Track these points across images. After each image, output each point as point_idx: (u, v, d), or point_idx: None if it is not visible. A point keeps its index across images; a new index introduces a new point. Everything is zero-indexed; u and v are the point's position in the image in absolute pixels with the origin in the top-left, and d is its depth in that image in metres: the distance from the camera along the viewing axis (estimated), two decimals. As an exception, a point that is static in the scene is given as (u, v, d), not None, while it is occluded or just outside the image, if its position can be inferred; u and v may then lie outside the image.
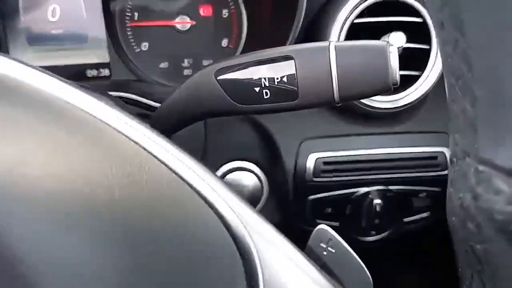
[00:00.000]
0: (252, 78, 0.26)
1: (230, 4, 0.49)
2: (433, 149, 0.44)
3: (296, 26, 0.40)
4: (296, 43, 0.41)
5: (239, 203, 0.16)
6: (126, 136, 0.15)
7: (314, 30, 0.41)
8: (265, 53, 0.26)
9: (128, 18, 0.48)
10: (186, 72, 0.50)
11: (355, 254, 0.20)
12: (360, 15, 0.40)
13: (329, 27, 0.39)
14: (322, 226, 0.20)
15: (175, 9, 0.48)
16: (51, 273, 0.11)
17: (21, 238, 0.11)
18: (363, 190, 0.45)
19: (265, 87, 0.26)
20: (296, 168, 0.43)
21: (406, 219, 0.47)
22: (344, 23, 0.39)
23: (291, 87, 0.25)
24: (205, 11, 0.49)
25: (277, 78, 0.25)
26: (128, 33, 0.48)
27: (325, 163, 0.44)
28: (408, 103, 0.42)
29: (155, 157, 0.15)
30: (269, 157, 0.44)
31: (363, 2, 0.39)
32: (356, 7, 0.39)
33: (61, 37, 0.47)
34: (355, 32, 0.41)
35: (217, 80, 0.27)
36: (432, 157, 0.44)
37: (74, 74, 0.47)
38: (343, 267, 0.19)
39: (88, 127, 0.16)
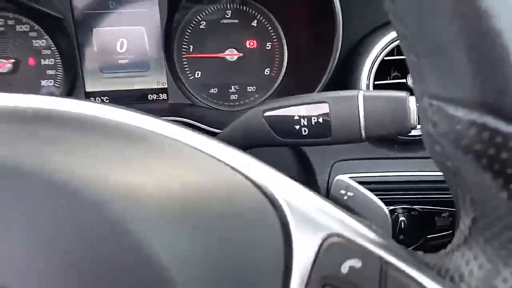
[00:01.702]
0: (293, 117, 0.32)
1: (273, 37, 0.55)
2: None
3: (332, 61, 0.45)
4: (332, 75, 0.47)
5: (268, 169, 0.20)
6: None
7: (348, 66, 0.47)
8: (305, 98, 0.32)
9: (185, 50, 0.55)
10: (232, 97, 0.57)
11: (370, 194, 0.24)
12: (389, 54, 0.45)
13: (361, 63, 0.45)
14: (339, 176, 0.25)
15: (225, 43, 0.55)
16: (187, 272, 0.16)
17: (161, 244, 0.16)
18: (389, 208, 0.50)
19: (304, 125, 0.31)
20: (328, 187, 0.48)
21: (429, 236, 0.51)
22: (375, 60, 0.45)
23: (325, 127, 0.30)
24: (251, 44, 0.55)
25: (314, 119, 0.31)
26: (184, 63, 0.55)
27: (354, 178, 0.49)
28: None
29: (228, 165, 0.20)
30: (305, 176, 0.50)
31: (392, 43, 0.44)
32: (386, 46, 0.44)
33: (127, 66, 0.54)
34: (384, 67, 0.46)
35: (264, 117, 0.33)
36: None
37: (138, 97, 0.55)
38: (362, 206, 0.23)
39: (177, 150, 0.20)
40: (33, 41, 0.52)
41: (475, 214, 0.17)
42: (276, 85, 0.56)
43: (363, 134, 0.30)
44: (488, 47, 0.15)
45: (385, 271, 0.17)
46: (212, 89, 0.56)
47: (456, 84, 0.16)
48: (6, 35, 0.51)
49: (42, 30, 0.52)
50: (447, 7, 0.16)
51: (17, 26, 0.51)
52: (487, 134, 0.15)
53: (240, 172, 0.19)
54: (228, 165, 0.19)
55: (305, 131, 0.32)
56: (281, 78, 0.56)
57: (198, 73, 0.56)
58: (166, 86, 0.55)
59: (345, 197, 0.24)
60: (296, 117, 0.32)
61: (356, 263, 0.17)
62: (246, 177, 0.19)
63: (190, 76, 0.56)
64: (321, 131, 0.31)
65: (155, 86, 0.55)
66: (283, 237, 0.18)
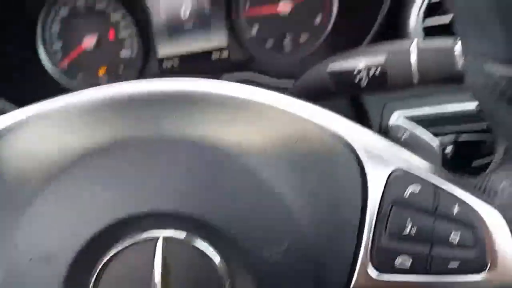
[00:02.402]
0: (353, 71, 0.37)
1: (322, -13, 0.59)
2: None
3: (381, 12, 0.49)
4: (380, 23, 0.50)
5: (343, 120, 0.26)
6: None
7: (394, 13, 0.50)
8: (363, 52, 0.37)
9: (241, 9, 0.60)
10: (286, 48, 0.62)
11: (422, 131, 0.30)
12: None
13: (409, 9, 0.48)
14: (396, 120, 0.30)
15: (278, -3, 0.59)
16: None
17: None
18: (439, 138, 0.55)
19: (362, 78, 0.37)
20: (382, 124, 0.54)
21: (474, 162, 0.56)
22: (422, 4, 0.48)
23: (382, 77, 0.36)
24: (302, -4, 0.59)
25: (372, 71, 0.36)
26: (241, 22, 0.61)
27: (406, 117, 0.54)
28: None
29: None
30: (360, 116, 0.56)
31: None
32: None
33: (192, 30, 0.61)
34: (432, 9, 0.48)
35: (327, 73, 0.39)
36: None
37: (203, 57, 0.61)
38: (417, 142, 0.29)
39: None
40: (111, 16, 0.59)
41: (508, 145, 0.23)
42: (326, 33, 0.61)
43: (416, 81, 0.35)
44: None
45: (438, 194, 0.24)
46: (268, 42, 0.61)
47: (492, 44, 0.21)
48: (88, 15, 0.59)
49: (117, 5, 0.59)
50: None
51: (96, 4, 0.58)
52: None
53: (324, 127, 0.25)
54: (317, 124, 0.25)
55: (363, 83, 0.37)
56: (331, 27, 0.60)
57: (254, 30, 0.61)
58: (225, 45, 0.61)
59: (402, 138, 0.30)
60: (356, 71, 0.37)
61: (415, 188, 0.24)
62: (329, 130, 0.25)
63: (247, 33, 0.61)
64: (378, 82, 0.36)
65: (215, 45, 0.61)
66: (360, 173, 0.24)
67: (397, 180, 0.24)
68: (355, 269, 0.23)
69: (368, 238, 0.23)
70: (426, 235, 0.23)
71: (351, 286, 0.23)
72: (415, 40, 0.35)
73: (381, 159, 0.24)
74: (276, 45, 0.61)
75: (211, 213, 0.22)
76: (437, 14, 0.50)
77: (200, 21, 0.60)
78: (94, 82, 0.61)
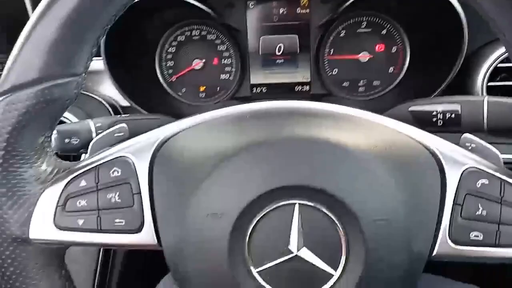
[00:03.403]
0: (432, 112, 0.46)
1: (398, 43, 0.69)
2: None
3: (455, 67, 0.58)
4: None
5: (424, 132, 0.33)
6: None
7: (463, 72, 0.59)
8: (441, 99, 0.46)
9: (326, 53, 0.71)
10: (360, 89, 0.72)
11: (486, 144, 0.36)
12: (503, 61, 0.57)
13: (477, 71, 0.57)
14: (466, 135, 0.37)
15: (359, 47, 0.70)
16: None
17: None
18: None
19: (440, 118, 0.46)
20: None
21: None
22: (489, 68, 0.57)
23: (456, 120, 0.45)
24: (380, 47, 0.69)
25: (448, 114, 0.45)
26: (325, 63, 0.71)
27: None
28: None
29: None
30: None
31: (504, 54, 0.56)
32: (499, 57, 0.56)
33: (282, 64, 0.72)
34: (497, 72, 0.57)
35: (409, 111, 0.48)
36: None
37: (288, 89, 0.72)
38: (481, 151, 0.36)
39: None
40: (218, 46, 0.71)
41: None
42: (396, 82, 0.70)
43: (485, 127, 0.44)
44: None
45: (504, 185, 0.31)
46: (345, 83, 0.72)
47: None
48: (200, 42, 0.71)
49: (224, 38, 0.71)
50: None
51: (208, 35, 0.71)
52: None
53: (411, 137, 0.34)
54: (404, 134, 0.34)
55: (439, 123, 0.46)
56: (402, 76, 0.70)
57: (335, 71, 0.71)
58: (309, 80, 0.72)
59: (470, 147, 0.38)
60: (434, 112, 0.47)
61: (484, 181, 0.31)
62: (414, 139, 0.33)
63: (329, 73, 0.72)
64: (452, 124, 0.45)
65: (300, 80, 0.72)
66: (440, 172, 0.32)
67: (469, 175, 0.32)
68: (437, 241, 0.31)
69: (446, 219, 0.31)
70: (495, 217, 0.30)
71: (433, 254, 0.31)
72: (487, 96, 0.45)
73: (456, 160, 0.32)
74: (352, 85, 0.71)
75: (334, 188, 0.30)
76: (499, 79, 0.59)
77: (290, 59, 0.71)
78: (195, 96, 0.73)
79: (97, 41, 0.32)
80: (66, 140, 0.44)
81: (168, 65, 0.73)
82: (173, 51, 0.72)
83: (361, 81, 0.71)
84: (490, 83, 0.57)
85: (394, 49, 0.69)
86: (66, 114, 0.60)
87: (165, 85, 0.73)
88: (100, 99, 0.66)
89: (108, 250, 0.68)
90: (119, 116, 0.49)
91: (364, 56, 0.70)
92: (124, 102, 0.69)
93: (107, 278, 0.68)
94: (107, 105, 0.65)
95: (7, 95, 0.30)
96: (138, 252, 0.77)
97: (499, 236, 0.31)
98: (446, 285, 0.55)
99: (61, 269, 0.35)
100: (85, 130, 0.45)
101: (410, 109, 0.48)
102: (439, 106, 0.46)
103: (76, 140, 0.44)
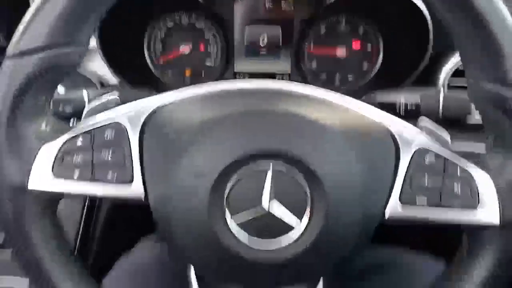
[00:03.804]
0: (395, 103, 0.52)
1: (373, 42, 0.75)
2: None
3: (420, 66, 0.64)
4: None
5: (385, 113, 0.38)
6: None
7: (429, 71, 0.65)
8: (405, 91, 0.52)
9: (306, 47, 0.76)
10: (336, 83, 0.77)
11: (439, 128, 0.40)
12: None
13: (441, 69, 0.63)
14: (422, 118, 0.42)
15: (337, 43, 0.75)
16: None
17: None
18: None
19: (401, 109, 0.51)
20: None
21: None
22: (453, 67, 0.63)
23: (417, 110, 0.50)
24: (356, 45, 0.75)
25: (409, 105, 0.51)
26: (305, 56, 0.76)
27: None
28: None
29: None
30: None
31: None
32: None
33: (265, 55, 0.76)
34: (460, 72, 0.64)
35: (376, 101, 0.53)
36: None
37: (267, 77, 0.76)
38: (433, 134, 0.40)
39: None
40: (205, 34, 0.75)
41: (495, 135, 0.37)
42: (370, 77, 0.76)
43: (440, 116, 0.50)
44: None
45: (447, 162, 0.36)
46: (322, 76, 0.77)
47: (485, 70, 0.35)
48: (188, 29, 0.75)
49: (212, 27, 0.75)
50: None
51: (196, 23, 0.75)
52: (501, 98, 0.34)
53: (373, 117, 0.38)
54: (367, 114, 0.38)
55: (402, 112, 0.52)
56: (375, 72, 0.75)
57: (314, 64, 0.77)
58: (289, 72, 0.77)
59: (424, 130, 0.43)
60: (397, 102, 0.52)
61: (432, 158, 0.37)
62: (375, 119, 0.38)
63: (308, 66, 0.77)
64: (413, 113, 0.51)
65: (280, 71, 0.77)
66: (395, 149, 0.37)
67: (420, 152, 0.37)
68: (388, 205, 0.36)
69: (398, 187, 0.36)
70: (437, 186, 0.36)
71: (386, 217, 0.36)
72: (442, 90, 0.50)
73: (409, 140, 0.37)
74: (329, 78, 0.77)
75: (302, 155, 0.35)
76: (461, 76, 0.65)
77: (273, 50, 0.76)
78: (180, 80, 0.77)
79: (100, 16, 0.36)
80: (60, 108, 0.47)
81: (156, 48, 0.76)
82: (162, 36, 0.76)
83: (337, 74, 0.77)
84: (451, 82, 0.64)
85: (369, 47, 0.75)
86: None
87: (152, 67, 0.76)
88: (88, 76, 0.69)
89: (91, 208, 0.72)
90: (110, 87, 0.53)
91: (341, 52, 0.75)
92: (112, 81, 0.72)
93: (90, 233, 0.72)
94: (95, 82, 0.68)
95: (16, 59, 0.34)
96: (120, 211, 0.81)
97: (440, 200, 0.36)
98: (400, 253, 0.61)
99: (53, 219, 0.39)
100: (78, 99, 0.48)
101: (377, 99, 0.53)
102: (402, 97, 0.52)
103: (70, 108, 0.47)
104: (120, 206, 0.76)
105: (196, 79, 0.77)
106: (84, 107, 0.48)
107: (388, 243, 0.62)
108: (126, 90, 0.53)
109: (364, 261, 0.63)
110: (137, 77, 0.72)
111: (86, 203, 0.72)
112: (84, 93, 0.49)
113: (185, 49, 0.75)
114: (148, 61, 0.76)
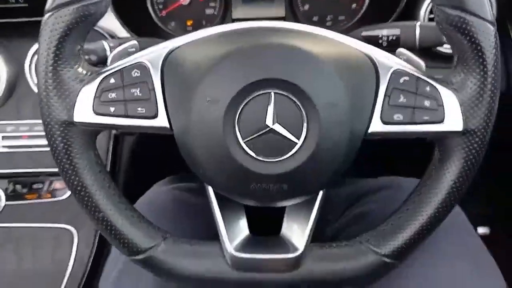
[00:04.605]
0: (378, 36, 0.58)
1: (360, -18, 0.80)
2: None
3: (401, 3, 0.70)
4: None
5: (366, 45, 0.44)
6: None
7: (412, 8, 0.71)
8: (386, 25, 0.58)
9: (299, -10, 0.81)
10: (328, 23, 0.83)
11: (414, 56, 0.47)
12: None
13: (421, 5, 0.69)
14: (400, 49, 0.48)
15: (326, -15, 0.80)
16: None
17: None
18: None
19: (384, 40, 0.58)
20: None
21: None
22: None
23: (397, 41, 0.57)
24: (344, -14, 0.80)
25: (390, 36, 0.57)
26: (298, 0, 0.81)
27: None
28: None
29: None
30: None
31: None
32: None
33: (260, 0, 0.81)
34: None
35: (361, 36, 0.60)
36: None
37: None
38: (409, 61, 0.47)
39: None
40: (203, -17, 0.80)
41: (458, 54, 0.44)
42: (358, 16, 0.82)
43: (417, 46, 0.56)
44: None
45: (418, 81, 0.43)
46: (315, 17, 0.82)
47: None
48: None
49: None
50: None
51: (194, -27, 0.80)
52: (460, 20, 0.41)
53: (357, 48, 0.45)
54: (352, 46, 0.45)
55: (384, 44, 0.58)
56: (363, 11, 0.81)
57: (306, 6, 0.82)
58: (284, 15, 0.82)
59: (402, 58, 0.48)
60: (380, 35, 0.59)
61: (405, 78, 0.43)
62: (359, 50, 0.44)
63: (301, 8, 0.82)
64: (394, 44, 0.58)
65: (276, 15, 0.82)
66: (375, 72, 0.43)
67: (396, 74, 0.43)
68: (371, 122, 0.43)
69: (379, 106, 0.43)
70: (411, 103, 0.43)
71: (368, 132, 0.43)
72: (419, 22, 0.57)
73: (387, 64, 0.43)
74: (320, 19, 0.82)
75: (299, 80, 0.41)
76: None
77: (268, -4, 0.81)
78: (183, 29, 0.83)
79: None
80: (86, 57, 0.54)
81: (158, 1, 0.81)
82: (163, -12, 0.81)
83: (328, 16, 0.82)
84: (431, 15, 0.70)
85: (356, -13, 0.80)
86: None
87: (156, 19, 0.82)
88: (99, 29, 0.75)
89: (117, 142, 0.81)
90: (126, 38, 0.59)
91: (331, -7, 0.80)
92: (120, 34, 0.77)
93: (116, 165, 0.82)
94: (106, 35, 0.74)
95: (55, 11, 0.40)
96: (143, 144, 0.90)
97: (414, 116, 0.43)
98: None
99: (95, 149, 0.47)
100: (100, 49, 0.55)
101: (362, 34, 0.60)
102: (384, 31, 0.58)
103: (94, 57, 0.54)
104: (144, 137, 0.85)
105: (197, 28, 0.83)
106: (105, 55, 0.55)
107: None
108: (143, 38, 0.59)
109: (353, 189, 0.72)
110: (144, 29, 0.78)
111: (112, 136, 0.81)
112: (105, 43, 0.55)
113: (185, 0, 0.80)
114: (152, 13, 0.81)
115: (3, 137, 0.79)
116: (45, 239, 0.79)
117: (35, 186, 0.83)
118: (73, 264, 0.78)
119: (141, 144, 0.85)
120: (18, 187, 0.83)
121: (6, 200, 0.81)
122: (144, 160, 0.89)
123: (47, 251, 0.78)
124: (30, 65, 0.76)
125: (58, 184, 0.84)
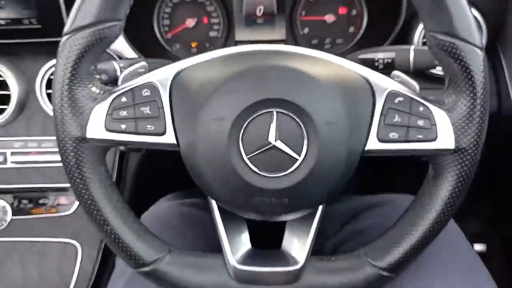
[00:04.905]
0: (374, 59, 0.62)
1: (358, 7, 0.84)
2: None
3: (397, 28, 0.73)
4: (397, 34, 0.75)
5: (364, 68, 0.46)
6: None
7: (406, 32, 0.75)
8: (381, 49, 0.61)
9: (299, 14, 0.85)
10: (326, 46, 0.86)
11: (408, 78, 0.49)
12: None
13: (415, 30, 0.73)
14: (395, 71, 0.51)
15: (325, 10, 0.84)
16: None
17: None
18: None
19: (380, 63, 0.61)
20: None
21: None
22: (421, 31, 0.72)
23: (392, 63, 0.60)
24: (342, 10, 0.84)
25: (386, 60, 0.61)
26: (298, 23, 0.85)
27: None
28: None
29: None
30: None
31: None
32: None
33: (262, 24, 0.85)
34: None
35: (358, 59, 0.63)
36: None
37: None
38: (404, 83, 0.49)
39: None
40: (207, 7, 0.84)
41: (449, 77, 0.46)
42: (356, 39, 0.85)
43: (411, 68, 0.60)
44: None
45: (412, 102, 0.45)
46: (314, 41, 0.86)
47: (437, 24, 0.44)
48: (192, 3, 0.84)
49: (214, 0, 0.84)
50: None
51: (198, -2, 0.84)
52: (450, 45, 0.44)
53: (355, 71, 0.47)
54: (351, 69, 0.48)
55: (380, 66, 0.62)
56: (361, 34, 0.85)
57: (306, 30, 0.86)
58: (284, 38, 0.86)
59: (396, 80, 0.50)
60: (376, 58, 0.62)
61: (401, 99, 0.46)
62: (357, 72, 0.47)
63: (301, 32, 0.86)
64: (389, 66, 0.61)
65: (277, 38, 0.86)
66: (372, 94, 0.46)
67: (391, 95, 0.46)
68: (367, 140, 0.45)
69: (375, 125, 0.45)
70: (405, 122, 0.45)
71: (365, 149, 0.46)
72: (413, 46, 0.60)
73: (383, 86, 0.45)
74: (319, 42, 0.86)
75: (300, 100, 0.43)
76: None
77: (269, 19, 0.84)
78: (187, 51, 0.86)
79: None
80: (97, 76, 0.57)
81: (164, 23, 0.85)
82: (169, 11, 0.84)
83: (327, 39, 0.86)
84: (424, 40, 0.73)
85: (354, 12, 0.84)
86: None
87: (162, 41, 0.85)
88: (108, 50, 0.78)
89: (122, 159, 0.83)
90: (135, 59, 0.62)
91: (329, 18, 0.84)
92: (128, 55, 0.81)
93: (120, 182, 0.84)
94: (114, 55, 0.78)
95: (73, 33, 0.44)
96: (149, 160, 0.92)
97: (408, 134, 0.46)
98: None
99: (105, 164, 0.49)
100: (111, 69, 0.58)
101: (359, 56, 0.63)
102: (380, 54, 0.61)
103: (106, 76, 0.57)
104: (148, 155, 0.87)
105: (201, 49, 0.86)
106: (115, 75, 0.58)
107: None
108: (151, 59, 0.63)
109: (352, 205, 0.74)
110: (150, 50, 0.81)
111: (117, 153, 0.83)
112: (115, 64, 0.58)
113: (190, 22, 0.84)
114: (158, 35, 0.85)
115: (12, 153, 0.81)
116: (50, 253, 0.81)
117: (40, 201, 0.85)
118: (77, 277, 0.79)
119: (145, 162, 0.87)
120: (24, 202, 0.85)
121: (13, 214, 0.83)
122: (148, 178, 0.91)
123: (52, 265, 0.80)
124: (41, 84, 0.79)
125: (63, 199, 0.86)
